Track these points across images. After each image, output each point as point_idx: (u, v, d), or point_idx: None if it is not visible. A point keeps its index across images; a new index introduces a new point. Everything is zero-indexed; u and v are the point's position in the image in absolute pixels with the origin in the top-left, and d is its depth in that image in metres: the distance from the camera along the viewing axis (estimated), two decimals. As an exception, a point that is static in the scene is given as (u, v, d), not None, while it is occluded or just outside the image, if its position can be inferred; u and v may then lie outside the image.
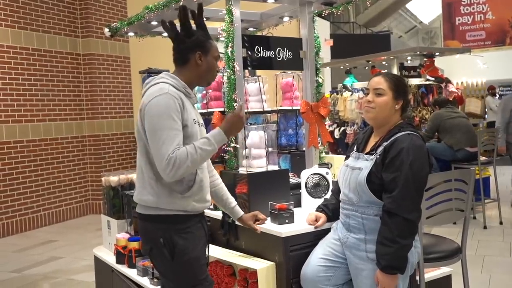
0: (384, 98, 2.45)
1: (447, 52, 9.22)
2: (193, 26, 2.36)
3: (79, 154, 8.04)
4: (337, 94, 8.13)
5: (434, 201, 2.80)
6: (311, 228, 2.63)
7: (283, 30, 3.89)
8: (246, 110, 3.10)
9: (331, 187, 3.04)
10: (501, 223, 6.18)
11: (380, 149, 2.39)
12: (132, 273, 3.37)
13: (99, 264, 3.88)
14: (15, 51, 7.06)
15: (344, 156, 2.75)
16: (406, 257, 2.31)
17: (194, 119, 2.28)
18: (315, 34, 3.40)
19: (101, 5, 8.24)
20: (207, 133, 2.33)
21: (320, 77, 3.41)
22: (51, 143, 7.56)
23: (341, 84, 8.59)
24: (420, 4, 21.30)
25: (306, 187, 3.03)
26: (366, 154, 2.47)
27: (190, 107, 2.30)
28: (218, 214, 2.95)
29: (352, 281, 2.48)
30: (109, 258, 3.69)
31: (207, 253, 2.41)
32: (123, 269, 3.46)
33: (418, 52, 8.00)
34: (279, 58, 3.26)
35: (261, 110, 3.29)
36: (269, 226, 2.64)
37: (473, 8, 13.82)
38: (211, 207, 2.95)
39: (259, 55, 3.18)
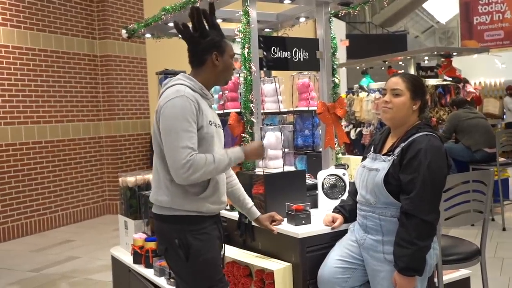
0: (401, 99, 2.43)
1: (465, 52, 9.15)
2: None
3: (96, 155, 8.12)
4: (353, 95, 8.10)
5: (452, 203, 2.77)
6: (327, 229, 2.61)
7: (299, 31, 3.88)
8: (262, 111, 3.10)
9: (347, 188, 3.03)
10: (520, 225, 6.11)
11: (398, 150, 2.37)
12: (149, 273, 3.39)
13: (116, 264, 3.91)
14: (34, 53, 7.14)
15: (361, 157, 2.74)
16: (424, 259, 2.29)
17: (210, 121, 2.28)
18: (331, 35, 3.39)
19: (118, 7, 8.31)
20: (224, 134, 2.33)
21: (337, 78, 3.40)
22: (68, 144, 7.64)
23: (357, 85, 8.56)
24: (437, 4, 21.15)
25: (322, 188, 3.02)
26: (383, 155, 2.45)
27: (207, 108, 2.30)
28: (234, 215, 2.95)
29: (370, 283, 2.47)
30: (126, 258, 3.72)
31: (222, 254, 2.41)
32: (140, 269, 3.49)
33: (435, 52, 7.95)
34: (295, 58, 3.26)
35: (277, 111, 3.28)
36: (285, 227, 2.64)
37: (491, 8, 13.67)
38: (228, 207, 2.95)
39: (275, 56, 3.17)
